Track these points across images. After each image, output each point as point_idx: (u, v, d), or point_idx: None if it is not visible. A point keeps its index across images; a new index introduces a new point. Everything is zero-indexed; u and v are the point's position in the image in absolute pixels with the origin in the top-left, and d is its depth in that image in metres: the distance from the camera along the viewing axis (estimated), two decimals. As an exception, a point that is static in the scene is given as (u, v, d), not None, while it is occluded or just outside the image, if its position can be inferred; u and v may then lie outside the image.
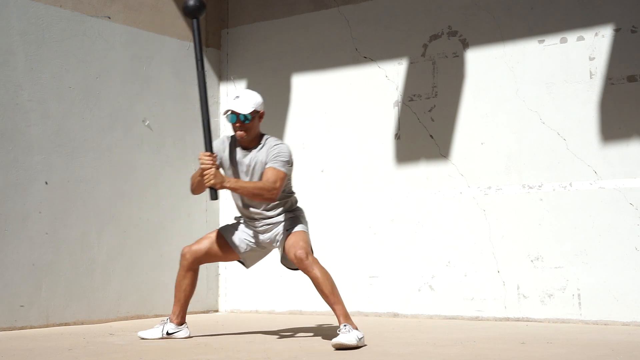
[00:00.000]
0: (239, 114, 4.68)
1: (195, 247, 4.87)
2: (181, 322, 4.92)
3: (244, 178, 4.78)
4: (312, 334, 5.13)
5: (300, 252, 4.63)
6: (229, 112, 4.69)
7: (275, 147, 4.73)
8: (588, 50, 5.79)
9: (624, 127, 5.65)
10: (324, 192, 6.75)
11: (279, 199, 4.78)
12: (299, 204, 4.97)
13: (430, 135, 6.31)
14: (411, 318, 6.24)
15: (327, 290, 4.58)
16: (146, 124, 6.62)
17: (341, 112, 6.73)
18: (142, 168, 6.58)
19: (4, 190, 5.65)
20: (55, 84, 5.99)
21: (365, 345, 4.49)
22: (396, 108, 6.47)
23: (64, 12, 6.07)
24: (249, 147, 4.78)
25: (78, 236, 6.07)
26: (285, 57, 7.02)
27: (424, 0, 6.41)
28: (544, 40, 5.95)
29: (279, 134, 6.97)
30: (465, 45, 6.23)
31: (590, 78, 5.77)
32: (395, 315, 6.34)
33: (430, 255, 6.24)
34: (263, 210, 4.80)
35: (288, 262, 4.91)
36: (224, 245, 4.88)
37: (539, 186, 5.90)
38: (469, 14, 6.22)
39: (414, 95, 6.41)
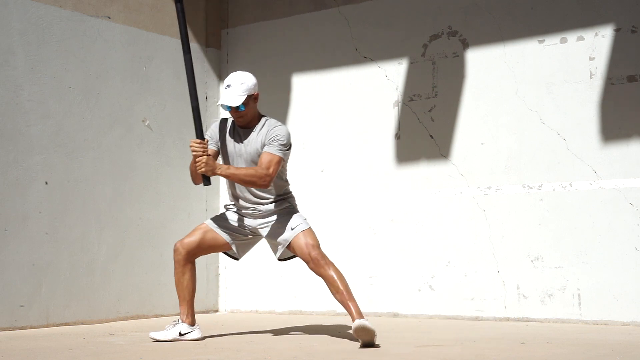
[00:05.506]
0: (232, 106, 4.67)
1: (187, 240, 4.78)
2: (192, 322, 4.81)
3: (242, 160, 4.75)
4: (312, 334, 5.13)
5: (316, 254, 4.61)
6: (221, 104, 4.69)
7: (274, 129, 4.71)
8: (588, 50, 5.79)
9: (624, 127, 5.65)
10: (324, 192, 6.75)
11: (273, 186, 4.74)
12: (290, 189, 4.92)
13: (430, 135, 6.31)
14: (411, 318, 6.24)
15: (344, 287, 4.54)
16: (146, 124, 6.62)
17: (341, 112, 6.73)
18: (142, 168, 6.58)
19: (4, 190, 5.65)
20: (55, 84, 5.99)
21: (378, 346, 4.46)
22: (396, 108, 6.47)
23: (64, 12, 6.07)
24: (248, 126, 4.77)
25: (78, 236, 6.07)
26: (286, 57, 7.01)
27: (424, 0, 6.41)
28: (544, 40, 5.95)
29: (279, 134, 6.97)
30: (465, 45, 6.23)
31: (590, 78, 5.77)
32: (396, 315, 6.34)
33: (430, 255, 6.24)
34: (253, 195, 4.75)
35: (283, 253, 4.81)
36: (214, 235, 4.81)
37: (539, 186, 5.90)
38: (469, 14, 6.22)
39: (414, 95, 6.41)
